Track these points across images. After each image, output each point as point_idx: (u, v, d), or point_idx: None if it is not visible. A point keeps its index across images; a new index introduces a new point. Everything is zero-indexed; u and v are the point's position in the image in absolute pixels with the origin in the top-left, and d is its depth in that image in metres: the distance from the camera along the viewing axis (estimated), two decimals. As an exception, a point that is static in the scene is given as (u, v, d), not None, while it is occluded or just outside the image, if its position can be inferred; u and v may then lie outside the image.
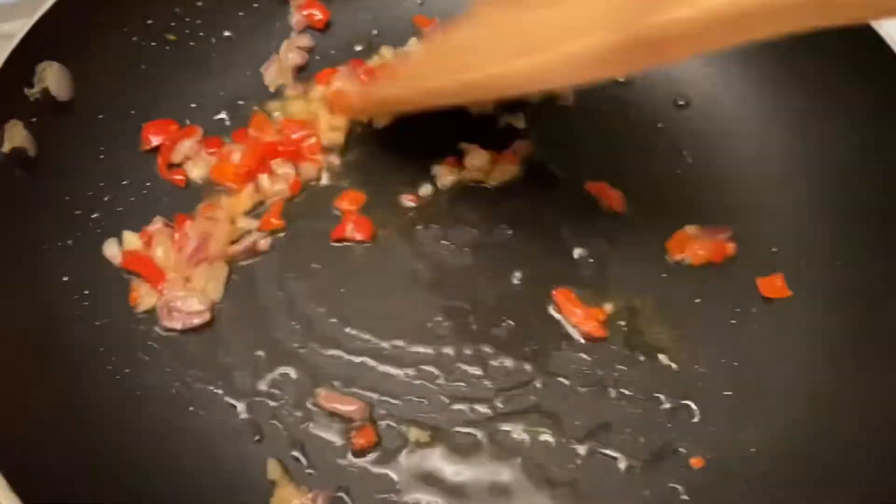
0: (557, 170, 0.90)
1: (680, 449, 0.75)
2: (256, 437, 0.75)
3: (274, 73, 0.94)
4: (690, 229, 0.84)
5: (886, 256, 0.79)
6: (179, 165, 0.88)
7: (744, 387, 0.78)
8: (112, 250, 0.82)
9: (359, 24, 0.99)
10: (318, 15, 0.98)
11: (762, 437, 0.75)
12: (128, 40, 0.89)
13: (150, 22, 0.91)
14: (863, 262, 0.81)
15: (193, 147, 0.88)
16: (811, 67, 0.87)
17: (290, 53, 0.95)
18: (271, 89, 0.94)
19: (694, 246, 0.83)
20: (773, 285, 0.82)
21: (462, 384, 0.77)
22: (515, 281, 0.83)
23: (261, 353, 0.79)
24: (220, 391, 0.77)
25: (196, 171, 0.88)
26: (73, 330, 0.78)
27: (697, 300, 0.82)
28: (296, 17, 0.97)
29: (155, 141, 0.88)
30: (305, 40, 0.97)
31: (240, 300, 0.82)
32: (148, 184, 0.87)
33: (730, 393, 0.77)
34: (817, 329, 0.80)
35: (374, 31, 0.99)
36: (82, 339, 0.78)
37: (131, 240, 0.83)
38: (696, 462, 0.73)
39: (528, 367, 0.78)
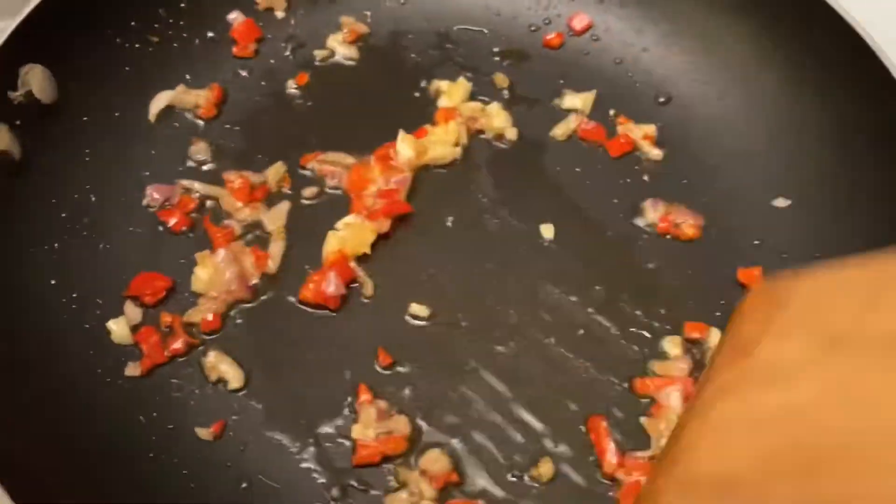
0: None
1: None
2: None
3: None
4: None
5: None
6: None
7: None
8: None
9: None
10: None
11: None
12: (111, 42, 0.89)
13: (133, 23, 0.91)
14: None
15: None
16: (797, 67, 0.89)
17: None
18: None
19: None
20: (752, 276, 0.83)
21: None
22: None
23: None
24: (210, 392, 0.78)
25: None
26: (62, 333, 0.78)
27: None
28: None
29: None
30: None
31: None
32: (134, 187, 0.87)
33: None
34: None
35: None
36: (72, 342, 0.78)
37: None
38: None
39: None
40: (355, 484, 0.74)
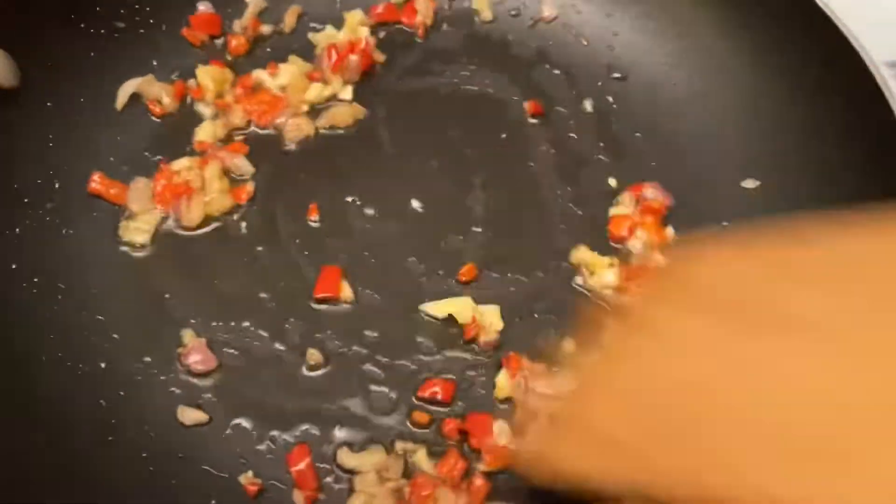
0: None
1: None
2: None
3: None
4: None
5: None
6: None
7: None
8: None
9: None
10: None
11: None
12: (76, 27, 0.88)
13: (98, 9, 0.90)
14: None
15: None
16: (768, 50, 0.88)
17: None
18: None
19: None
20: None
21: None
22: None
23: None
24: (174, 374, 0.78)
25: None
26: (22, 317, 0.77)
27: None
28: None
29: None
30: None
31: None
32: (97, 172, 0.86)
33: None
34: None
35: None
36: (32, 327, 0.77)
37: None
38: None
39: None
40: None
